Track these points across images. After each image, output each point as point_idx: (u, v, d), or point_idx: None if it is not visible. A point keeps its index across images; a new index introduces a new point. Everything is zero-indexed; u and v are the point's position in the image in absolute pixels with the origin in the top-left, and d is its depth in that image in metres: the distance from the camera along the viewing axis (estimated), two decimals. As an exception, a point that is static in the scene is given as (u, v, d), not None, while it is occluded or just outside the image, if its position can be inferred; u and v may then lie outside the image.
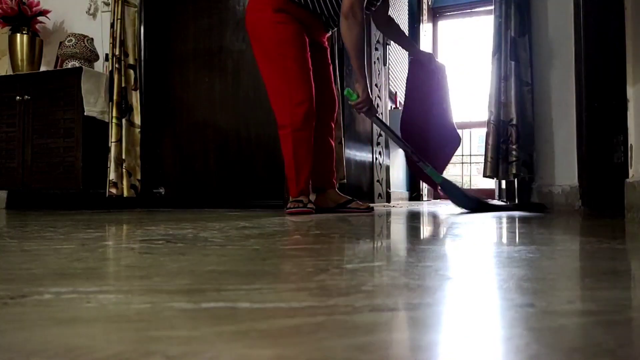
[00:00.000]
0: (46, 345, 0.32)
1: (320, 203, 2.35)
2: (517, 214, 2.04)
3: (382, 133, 3.97)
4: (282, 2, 2.10)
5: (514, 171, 2.53)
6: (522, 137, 2.54)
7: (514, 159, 2.52)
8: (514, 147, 2.52)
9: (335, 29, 2.33)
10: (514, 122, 2.52)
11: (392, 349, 0.32)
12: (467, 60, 7.20)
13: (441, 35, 6.98)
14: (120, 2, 3.13)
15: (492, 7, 2.72)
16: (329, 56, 2.42)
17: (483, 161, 2.67)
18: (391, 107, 4.78)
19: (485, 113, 2.70)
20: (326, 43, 2.41)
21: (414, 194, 5.97)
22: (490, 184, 6.90)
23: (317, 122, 2.33)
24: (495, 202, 2.35)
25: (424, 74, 2.35)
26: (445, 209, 2.97)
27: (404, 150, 2.31)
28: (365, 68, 2.06)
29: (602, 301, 0.45)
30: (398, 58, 5.39)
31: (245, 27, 2.23)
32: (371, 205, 2.46)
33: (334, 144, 2.41)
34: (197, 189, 3.21)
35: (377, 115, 2.22)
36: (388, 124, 4.18)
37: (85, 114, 2.99)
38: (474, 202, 2.22)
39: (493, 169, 2.57)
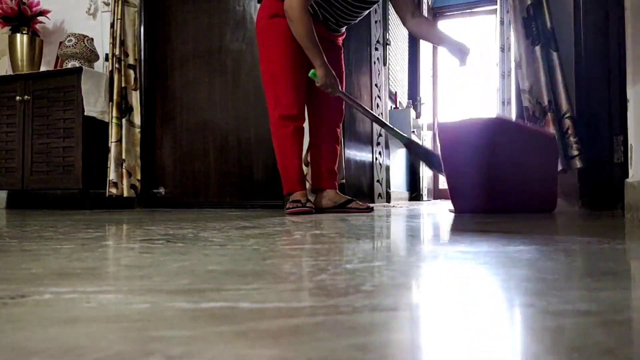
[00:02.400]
0: (46, 345, 0.32)
1: (319, 203, 2.36)
2: None
3: (382, 133, 3.97)
4: (279, 8, 2.14)
5: (578, 165, 2.35)
6: (578, 130, 2.40)
7: (576, 152, 2.35)
8: (574, 140, 2.34)
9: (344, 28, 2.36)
10: (569, 114, 2.36)
11: (392, 349, 0.32)
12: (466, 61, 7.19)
13: (441, 35, 6.98)
14: (120, 2, 3.14)
15: (492, 7, 2.67)
16: (342, 57, 2.44)
17: None
18: (391, 107, 4.78)
19: (486, 112, 2.64)
20: (340, 42, 2.43)
21: (414, 194, 5.97)
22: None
23: (323, 124, 2.38)
24: None
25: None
26: (445, 208, 2.97)
27: (374, 119, 2.40)
28: (320, 55, 2.10)
29: (602, 301, 0.45)
30: (398, 58, 5.39)
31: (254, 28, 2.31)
32: (371, 205, 2.46)
33: (339, 148, 2.45)
34: (197, 189, 3.21)
35: (343, 91, 2.26)
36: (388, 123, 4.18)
37: (85, 114, 3.00)
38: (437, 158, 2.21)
39: (562, 163, 2.41)
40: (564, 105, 2.39)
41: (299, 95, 2.22)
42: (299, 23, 2.05)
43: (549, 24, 2.45)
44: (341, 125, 2.48)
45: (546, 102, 2.41)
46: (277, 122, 2.21)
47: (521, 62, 2.59)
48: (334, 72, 2.16)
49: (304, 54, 2.15)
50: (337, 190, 2.41)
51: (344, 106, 2.44)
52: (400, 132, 2.36)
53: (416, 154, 2.43)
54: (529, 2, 2.51)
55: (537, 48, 2.46)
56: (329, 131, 2.39)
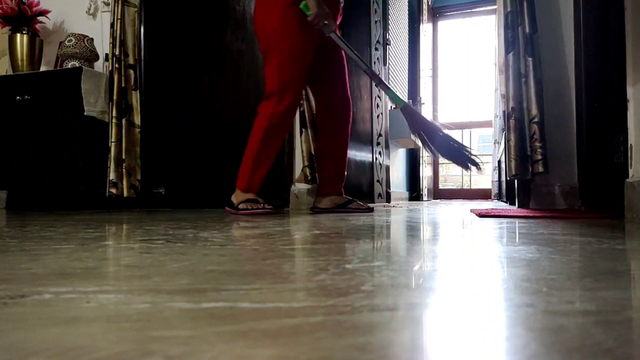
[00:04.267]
0: (46, 345, 0.32)
1: (319, 204, 2.35)
2: None
3: (382, 133, 3.97)
4: None
5: (540, 169, 2.45)
6: (544, 135, 2.47)
7: (540, 157, 2.45)
8: (539, 144, 2.44)
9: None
10: (537, 119, 2.44)
11: (392, 349, 0.32)
12: (466, 60, 7.20)
13: (441, 35, 6.99)
14: (120, 2, 3.13)
15: (492, 7, 2.70)
16: (344, 57, 2.37)
17: (506, 160, 2.60)
18: (391, 107, 4.78)
19: (486, 112, 2.68)
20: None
21: (414, 194, 5.97)
22: (488, 184, 6.91)
23: (330, 126, 2.33)
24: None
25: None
26: (445, 208, 2.97)
27: (370, 74, 2.33)
28: None
29: (601, 301, 0.45)
30: (398, 58, 5.39)
31: (252, 25, 2.23)
32: (371, 205, 2.46)
33: (347, 151, 2.39)
34: (197, 189, 3.21)
35: (335, 32, 2.17)
36: (388, 123, 4.19)
37: (85, 114, 3.00)
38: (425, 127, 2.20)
39: (518, 167, 2.50)
40: (533, 110, 2.46)
41: (301, 91, 2.18)
42: None
43: (527, 30, 2.49)
44: (350, 122, 2.39)
45: (510, 109, 2.51)
46: (278, 118, 2.11)
47: (501, 68, 2.69)
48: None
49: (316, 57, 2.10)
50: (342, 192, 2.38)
51: (351, 108, 2.39)
52: (398, 96, 2.30)
53: (412, 121, 2.27)
54: (508, 9, 2.56)
55: (510, 55, 2.53)
56: (337, 132, 2.34)
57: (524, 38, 2.51)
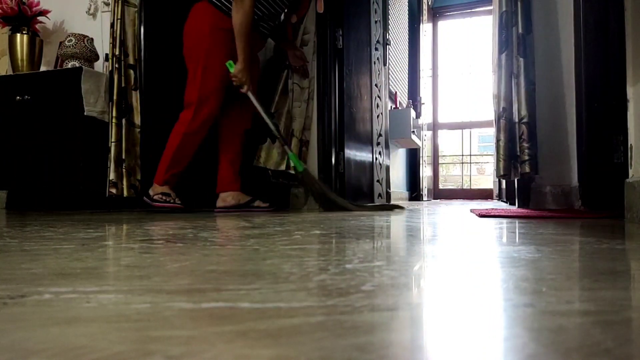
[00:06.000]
0: (46, 345, 0.32)
1: (224, 202, 2.57)
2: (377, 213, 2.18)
3: (382, 133, 3.97)
4: (224, 20, 2.34)
5: (527, 170, 2.48)
6: (533, 135, 2.50)
7: (527, 157, 2.48)
8: (526, 145, 2.47)
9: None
10: (526, 119, 2.47)
11: (392, 349, 0.32)
12: (466, 60, 7.19)
13: (441, 35, 6.99)
14: (120, 2, 3.13)
15: (492, 7, 2.71)
16: (259, 66, 2.71)
17: (495, 160, 2.64)
18: (391, 107, 4.78)
19: (487, 112, 2.69)
20: (258, 54, 2.66)
21: (414, 194, 5.98)
22: (489, 184, 6.91)
23: (234, 130, 2.60)
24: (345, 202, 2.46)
25: None
26: (445, 208, 2.97)
27: (273, 130, 2.55)
28: (248, 50, 2.32)
29: (600, 301, 0.45)
30: (398, 58, 5.39)
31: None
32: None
33: (239, 154, 2.67)
34: (197, 189, 3.20)
35: (252, 93, 2.44)
36: (388, 123, 4.19)
37: (85, 114, 2.99)
38: (328, 202, 2.42)
39: (507, 167, 2.53)
40: (523, 110, 2.49)
41: (218, 102, 2.43)
42: (247, 14, 2.23)
43: (521, 30, 2.50)
44: (245, 132, 2.68)
45: (501, 109, 2.54)
46: (197, 126, 2.39)
47: (494, 68, 2.70)
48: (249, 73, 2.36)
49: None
50: (241, 191, 2.60)
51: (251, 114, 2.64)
52: (299, 160, 2.57)
53: (308, 190, 2.56)
54: (504, 9, 2.57)
55: (503, 56, 2.55)
56: (239, 137, 2.62)
57: (517, 38, 2.52)
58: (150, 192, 2.46)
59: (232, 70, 2.33)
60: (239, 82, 2.36)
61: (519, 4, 2.53)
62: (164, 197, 2.39)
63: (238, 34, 2.26)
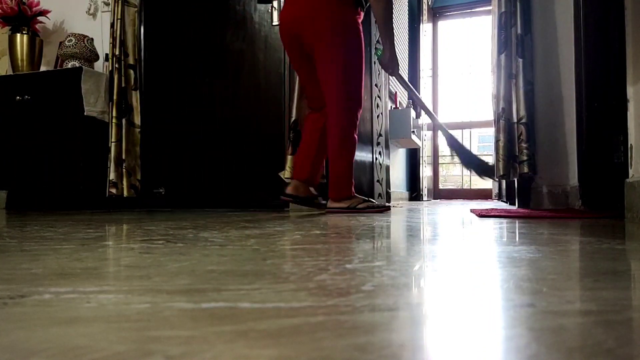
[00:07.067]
0: (46, 345, 0.32)
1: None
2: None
3: (382, 133, 3.97)
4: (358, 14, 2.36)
5: (525, 170, 2.50)
6: (531, 136, 2.52)
7: (525, 157, 2.49)
8: (525, 145, 2.49)
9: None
10: (524, 120, 2.49)
11: (392, 349, 0.32)
12: (466, 60, 7.19)
13: (441, 35, 6.98)
14: (120, 2, 3.13)
15: (491, 8, 2.71)
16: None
17: (494, 160, 2.65)
18: (391, 107, 4.78)
19: (486, 112, 2.71)
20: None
21: (414, 194, 5.97)
22: (489, 183, 6.90)
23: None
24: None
25: None
26: (445, 208, 2.97)
27: (429, 115, 2.74)
28: (393, 36, 2.35)
29: (601, 301, 0.45)
30: (398, 58, 5.39)
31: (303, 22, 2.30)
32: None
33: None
34: (197, 189, 3.21)
35: (401, 75, 2.53)
36: (388, 123, 4.18)
37: (85, 114, 3.00)
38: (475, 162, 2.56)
39: (506, 167, 2.55)
40: (521, 110, 2.50)
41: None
42: (388, 3, 2.25)
43: (519, 31, 2.51)
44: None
45: (500, 109, 2.54)
46: (355, 126, 2.29)
47: (494, 68, 2.71)
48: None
49: None
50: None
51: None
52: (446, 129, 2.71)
53: (457, 152, 2.66)
54: (503, 10, 2.57)
55: (502, 56, 2.56)
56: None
57: (516, 39, 2.52)
58: (344, 204, 2.29)
59: (379, 57, 2.41)
60: (387, 69, 2.43)
61: (517, 4, 2.54)
62: (366, 204, 2.30)
63: (386, 20, 2.27)
